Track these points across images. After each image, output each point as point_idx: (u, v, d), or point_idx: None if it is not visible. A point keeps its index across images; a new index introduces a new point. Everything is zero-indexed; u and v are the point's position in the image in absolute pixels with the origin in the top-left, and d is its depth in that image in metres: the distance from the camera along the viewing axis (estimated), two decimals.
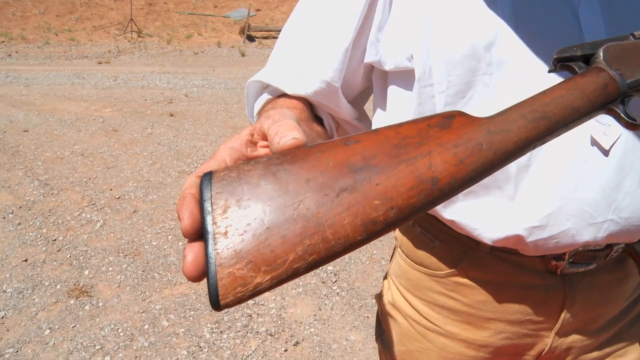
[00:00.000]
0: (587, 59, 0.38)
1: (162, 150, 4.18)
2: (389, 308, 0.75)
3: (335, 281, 2.42)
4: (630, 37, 0.39)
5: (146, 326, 2.07)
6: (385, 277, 0.79)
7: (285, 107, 0.51)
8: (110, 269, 2.48)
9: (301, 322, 2.12)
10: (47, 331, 2.02)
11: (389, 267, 0.78)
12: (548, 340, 0.64)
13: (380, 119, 0.63)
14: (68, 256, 2.58)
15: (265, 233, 0.26)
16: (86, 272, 2.44)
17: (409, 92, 0.56)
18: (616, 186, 0.53)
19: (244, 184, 0.28)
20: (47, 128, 4.70)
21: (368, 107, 0.66)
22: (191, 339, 2.01)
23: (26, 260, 2.53)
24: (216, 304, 0.25)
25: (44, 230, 2.83)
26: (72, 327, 2.05)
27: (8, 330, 2.03)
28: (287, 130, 0.31)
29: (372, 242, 2.86)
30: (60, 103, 5.71)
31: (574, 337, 0.64)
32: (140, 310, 2.17)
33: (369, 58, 0.58)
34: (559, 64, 0.39)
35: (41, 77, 7.34)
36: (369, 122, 0.66)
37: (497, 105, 0.36)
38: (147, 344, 1.97)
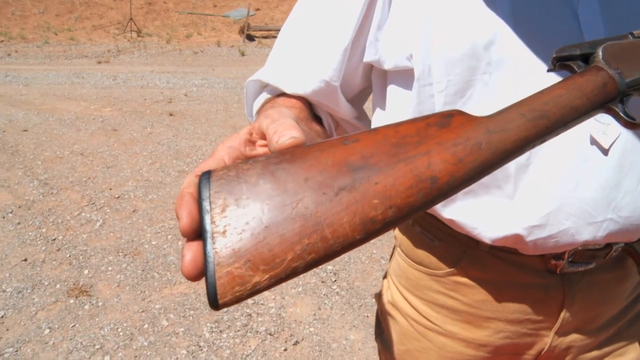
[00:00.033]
0: (586, 58, 0.38)
1: (162, 149, 4.18)
2: (388, 307, 0.75)
3: (335, 280, 2.43)
4: (629, 36, 0.39)
5: (146, 326, 2.07)
6: (384, 277, 0.79)
7: (284, 106, 0.51)
8: (109, 268, 2.48)
9: (301, 322, 2.12)
10: (47, 331, 2.02)
11: (389, 266, 0.78)
12: (547, 339, 0.64)
13: (379, 118, 0.63)
14: (67, 256, 2.58)
15: (263, 232, 0.26)
16: (86, 272, 2.44)
17: (408, 92, 0.56)
18: (615, 185, 0.53)
19: (243, 183, 0.28)
20: (47, 127, 4.69)
21: (367, 106, 0.66)
22: (191, 338, 2.01)
23: (26, 260, 2.53)
24: (214, 303, 0.25)
25: (44, 230, 2.83)
26: (72, 327, 2.05)
27: (8, 329, 2.03)
28: (285, 130, 0.31)
29: (371, 242, 2.87)
30: (59, 102, 5.71)
31: (574, 337, 0.64)
32: (140, 310, 2.17)
33: (368, 57, 0.58)
34: (558, 63, 0.39)
35: (41, 76, 7.34)
36: (368, 122, 0.66)
37: (497, 104, 0.36)
38: (147, 344, 1.97)
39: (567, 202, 0.53)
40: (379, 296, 0.79)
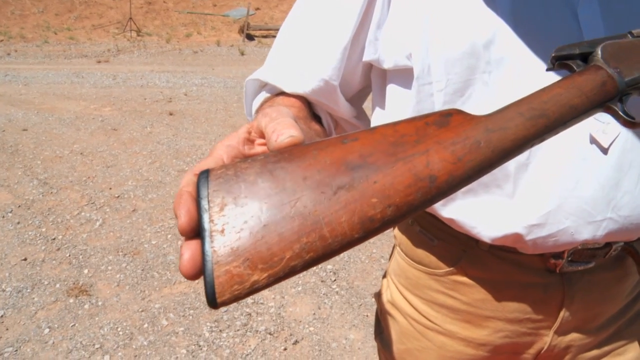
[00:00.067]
0: (585, 58, 0.38)
1: (162, 149, 4.18)
2: (388, 307, 0.75)
3: (335, 280, 2.43)
4: (629, 35, 0.39)
5: (145, 325, 2.07)
6: (384, 276, 0.79)
7: (283, 105, 0.51)
8: (109, 268, 2.48)
9: (300, 321, 2.12)
10: (47, 330, 2.02)
11: (388, 265, 0.78)
12: (547, 338, 0.64)
13: (379, 118, 0.63)
14: (67, 255, 2.58)
15: (262, 231, 0.26)
16: (85, 271, 2.44)
17: (408, 91, 0.56)
18: (615, 184, 0.53)
19: (241, 182, 0.28)
20: (46, 127, 4.69)
21: (367, 106, 0.66)
22: (190, 337, 2.01)
23: (25, 259, 2.53)
24: (213, 302, 0.25)
25: (43, 229, 2.83)
26: (72, 326, 2.05)
27: (7, 329, 2.03)
28: (284, 128, 0.31)
29: (371, 241, 2.87)
30: (59, 102, 5.71)
31: (573, 336, 0.64)
32: (140, 309, 2.17)
33: (367, 56, 0.58)
34: (557, 62, 0.39)
35: (40, 76, 7.33)
36: (368, 121, 0.66)
37: (496, 103, 0.36)
38: (147, 343, 1.97)
39: (567, 201, 0.53)
40: (378, 295, 0.79)
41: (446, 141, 0.30)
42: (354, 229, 0.27)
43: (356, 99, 0.65)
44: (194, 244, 0.27)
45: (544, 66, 0.50)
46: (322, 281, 2.41)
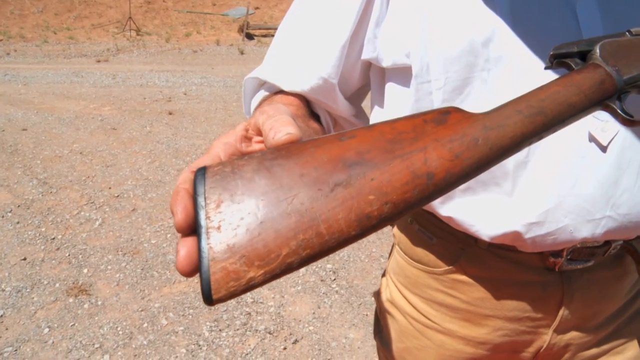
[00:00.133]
0: (584, 56, 0.38)
1: (161, 148, 4.18)
2: (387, 305, 0.75)
3: (334, 279, 2.43)
4: (627, 33, 0.39)
5: (145, 324, 2.07)
6: (383, 275, 0.79)
7: (281, 103, 0.51)
8: (109, 267, 2.48)
9: (300, 320, 2.12)
10: (46, 330, 2.02)
11: (387, 264, 0.78)
12: (546, 337, 0.64)
13: (377, 116, 0.63)
14: (67, 255, 2.58)
15: (258, 228, 0.26)
16: (85, 271, 2.44)
17: (407, 89, 0.56)
18: (614, 182, 0.53)
19: (238, 179, 0.28)
20: (46, 127, 4.69)
21: (366, 104, 0.66)
22: (190, 337, 2.01)
23: (25, 259, 2.53)
24: (208, 299, 0.25)
25: (43, 229, 2.82)
26: (71, 326, 2.05)
27: (7, 329, 2.03)
28: (281, 126, 0.31)
29: (370, 240, 2.86)
30: (58, 101, 5.70)
31: (572, 334, 0.64)
32: (139, 309, 2.17)
33: (366, 55, 0.58)
34: (556, 61, 0.39)
35: (40, 75, 7.33)
36: (367, 119, 0.66)
37: (495, 101, 0.35)
38: (146, 343, 1.97)
39: (566, 199, 0.53)
40: (377, 294, 0.79)
41: (444, 139, 0.30)
42: (351, 226, 0.26)
43: (355, 98, 0.65)
44: (190, 240, 0.27)
45: (542, 64, 0.50)
46: (321, 280, 2.41)
